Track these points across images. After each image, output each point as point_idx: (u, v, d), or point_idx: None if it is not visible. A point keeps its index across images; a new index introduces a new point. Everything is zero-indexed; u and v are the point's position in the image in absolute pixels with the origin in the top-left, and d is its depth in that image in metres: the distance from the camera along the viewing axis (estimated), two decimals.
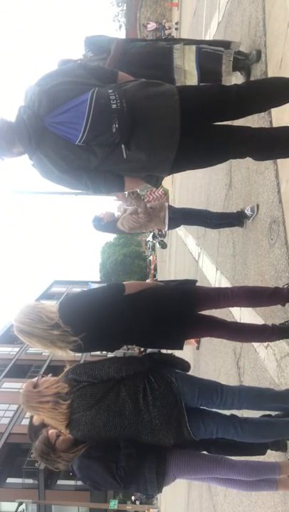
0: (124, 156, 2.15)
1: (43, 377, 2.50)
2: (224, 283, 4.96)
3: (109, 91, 2.12)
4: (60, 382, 2.41)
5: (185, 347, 7.69)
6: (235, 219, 4.14)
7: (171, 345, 2.65)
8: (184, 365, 2.60)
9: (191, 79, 3.66)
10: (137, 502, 24.19)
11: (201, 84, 3.62)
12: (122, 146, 2.14)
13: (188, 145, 2.19)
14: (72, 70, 2.23)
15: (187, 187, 10.32)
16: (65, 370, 2.48)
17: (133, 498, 23.66)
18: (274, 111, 3.14)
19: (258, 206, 3.72)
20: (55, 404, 2.35)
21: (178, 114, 2.14)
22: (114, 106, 2.09)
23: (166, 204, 4.77)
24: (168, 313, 2.48)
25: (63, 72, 2.22)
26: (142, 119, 2.12)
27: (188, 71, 3.65)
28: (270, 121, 3.20)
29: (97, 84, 2.17)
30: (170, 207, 4.71)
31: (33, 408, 2.44)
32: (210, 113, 2.28)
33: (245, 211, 3.95)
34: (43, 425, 2.66)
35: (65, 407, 2.34)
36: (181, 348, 2.58)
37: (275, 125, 3.12)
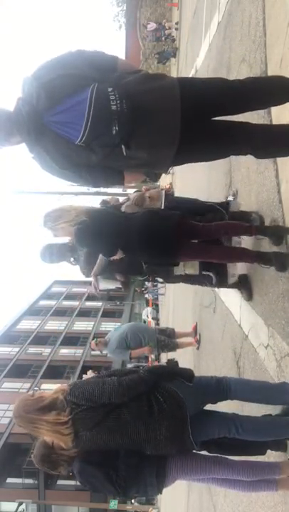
0: (125, 154, 2.15)
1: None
2: None
3: (109, 89, 2.08)
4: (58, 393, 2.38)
5: (185, 348, 7.59)
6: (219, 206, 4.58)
7: (166, 255, 3.14)
8: (189, 376, 2.56)
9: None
10: (136, 503, 24.12)
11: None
12: (122, 145, 2.13)
13: (188, 140, 2.18)
14: (70, 60, 2.17)
15: (187, 188, 10.32)
16: (61, 388, 2.43)
17: (133, 500, 23.61)
18: (274, 110, 3.14)
19: (237, 191, 4.11)
20: (57, 414, 2.30)
21: (178, 110, 2.12)
22: (114, 107, 2.06)
23: (163, 192, 4.92)
24: (157, 228, 3.05)
25: (61, 63, 2.16)
26: (142, 116, 2.10)
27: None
28: (270, 121, 3.20)
29: (97, 77, 2.12)
30: (167, 196, 4.87)
31: (32, 421, 2.35)
32: (210, 107, 2.27)
33: (227, 199, 4.34)
34: None
35: (67, 413, 2.29)
36: (175, 262, 3.40)
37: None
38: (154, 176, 2.44)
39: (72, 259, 4.08)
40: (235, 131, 2.35)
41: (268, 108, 3.11)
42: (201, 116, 2.24)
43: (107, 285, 4.53)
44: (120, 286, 4.46)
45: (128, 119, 2.07)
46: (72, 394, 2.35)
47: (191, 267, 3.74)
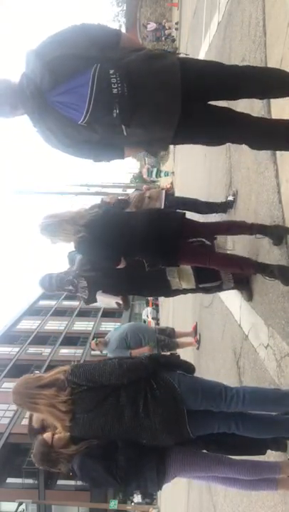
0: (125, 134, 2.20)
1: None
2: None
3: (111, 72, 2.09)
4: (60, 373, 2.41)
5: (185, 348, 7.60)
6: (219, 207, 4.72)
7: (166, 258, 3.13)
8: (189, 368, 2.59)
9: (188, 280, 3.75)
10: (133, 504, 24.11)
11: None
12: (123, 126, 2.17)
13: (187, 123, 2.20)
14: (72, 37, 2.16)
15: (188, 187, 10.33)
16: (63, 369, 2.46)
17: (133, 503, 23.58)
18: (274, 110, 3.15)
19: (237, 191, 4.21)
20: (57, 390, 2.33)
21: (179, 89, 2.14)
22: (115, 91, 2.09)
23: (164, 192, 4.96)
24: (159, 230, 3.05)
25: (63, 41, 2.15)
26: (143, 98, 2.13)
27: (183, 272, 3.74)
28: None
29: (98, 55, 2.12)
30: (167, 196, 4.91)
31: (31, 396, 2.38)
32: (209, 89, 2.28)
33: (228, 199, 4.48)
34: (42, 427, 2.65)
35: (67, 393, 2.31)
36: (176, 262, 3.22)
37: None
38: (154, 152, 2.50)
39: (70, 287, 4.02)
40: (233, 118, 2.37)
41: (267, 98, 3.09)
42: (200, 98, 2.27)
43: (106, 301, 4.49)
44: (120, 301, 4.43)
45: (129, 102, 2.11)
46: (73, 374, 2.37)
47: (187, 282, 3.68)
